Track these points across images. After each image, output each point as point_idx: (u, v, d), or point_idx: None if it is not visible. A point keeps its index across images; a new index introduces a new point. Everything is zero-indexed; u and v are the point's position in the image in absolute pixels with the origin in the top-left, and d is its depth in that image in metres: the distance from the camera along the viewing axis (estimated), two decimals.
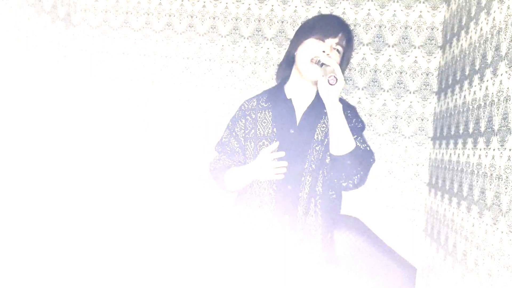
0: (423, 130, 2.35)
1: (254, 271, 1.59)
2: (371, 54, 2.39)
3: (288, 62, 1.69)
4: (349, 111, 1.63)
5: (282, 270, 1.57)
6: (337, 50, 1.58)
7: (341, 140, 1.46)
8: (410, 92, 2.36)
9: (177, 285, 2.47)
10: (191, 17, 2.61)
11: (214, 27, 2.58)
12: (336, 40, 1.56)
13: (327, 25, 1.57)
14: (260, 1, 2.52)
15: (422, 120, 2.35)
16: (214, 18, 2.58)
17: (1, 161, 2.15)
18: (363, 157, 1.52)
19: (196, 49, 2.60)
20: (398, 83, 2.37)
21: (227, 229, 1.72)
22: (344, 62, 1.66)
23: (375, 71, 2.39)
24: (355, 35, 2.40)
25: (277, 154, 1.52)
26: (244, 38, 2.54)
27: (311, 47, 1.55)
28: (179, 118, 2.61)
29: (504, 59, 1.33)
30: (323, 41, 1.55)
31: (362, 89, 2.41)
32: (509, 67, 1.28)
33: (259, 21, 2.52)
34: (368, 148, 1.57)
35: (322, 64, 1.47)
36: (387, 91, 2.38)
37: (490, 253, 1.32)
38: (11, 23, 2.16)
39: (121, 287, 2.54)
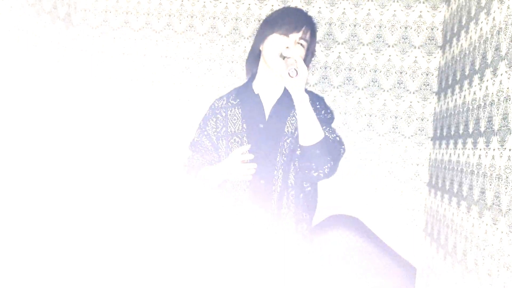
0: (423, 130, 2.35)
1: (229, 264, 1.62)
2: (371, 54, 2.39)
3: (254, 58, 1.71)
4: (318, 102, 1.66)
5: (258, 263, 1.58)
6: (301, 44, 1.60)
7: (308, 130, 1.49)
8: (410, 92, 2.36)
9: (160, 277, 2.48)
10: (191, 17, 2.61)
11: (214, 27, 2.58)
12: (300, 34, 1.59)
13: (290, 20, 1.59)
14: (260, 1, 2.52)
15: (422, 120, 2.35)
16: (214, 18, 2.58)
17: (0, 161, 2.15)
18: (332, 147, 1.54)
19: (196, 49, 2.60)
20: (398, 83, 2.37)
21: (211, 226, 1.75)
22: (309, 54, 1.68)
23: (375, 71, 2.39)
24: (355, 35, 2.40)
25: (245, 156, 1.54)
26: (244, 38, 2.54)
27: (276, 42, 1.58)
28: (179, 118, 2.61)
29: (504, 59, 1.33)
30: (287, 36, 1.58)
31: (362, 89, 2.41)
32: (509, 67, 1.28)
33: (259, 21, 2.52)
34: (338, 138, 1.59)
35: (285, 57, 1.50)
36: (387, 91, 2.38)
37: (490, 253, 1.32)
38: (11, 23, 2.16)
39: (116, 285, 2.54)
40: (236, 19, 2.55)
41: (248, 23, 2.53)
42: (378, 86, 2.39)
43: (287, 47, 1.55)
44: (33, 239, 2.38)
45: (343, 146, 1.61)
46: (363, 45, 2.40)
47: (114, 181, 2.64)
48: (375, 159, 2.38)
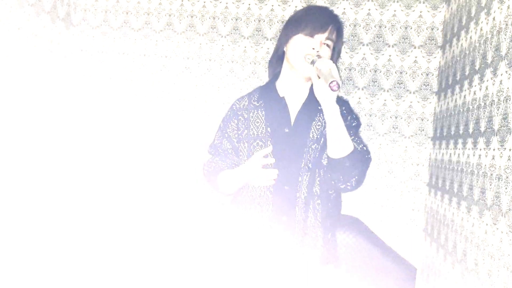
0: (423, 130, 2.35)
1: (254, 274, 1.58)
2: (371, 54, 2.39)
3: (278, 58, 1.65)
4: (344, 107, 1.57)
5: (282, 272, 1.55)
6: (327, 45, 1.54)
7: (339, 143, 1.43)
8: (410, 92, 2.36)
9: (178, 286, 2.47)
10: (191, 17, 2.61)
11: (214, 27, 2.58)
12: (326, 35, 1.51)
13: (315, 20, 1.51)
14: (260, 1, 2.52)
15: (422, 120, 2.35)
16: (214, 18, 2.58)
17: (1, 161, 2.15)
18: (360, 158, 1.49)
19: (196, 49, 2.60)
20: (398, 83, 2.37)
21: (226, 232, 1.68)
22: (335, 54, 1.61)
23: (375, 71, 2.39)
24: (355, 35, 2.40)
25: (267, 160, 1.48)
26: (244, 38, 2.54)
27: (301, 44, 1.50)
28: (179, 118, 2.61)
29: (504, 59, 1.33)
30: (312, 37, 1.50)
31: (362, 89, 2.41)
32: (509, 67, 1.28)
33: (259, 21, 2.52)
34: (365, 148, 1.54)
35: (313, 62, 1.42)
36: (387, 91, 2.38)
37: (490, 253, 1.32)
38: (11, 23, 2.16)
39: (120, 286, 2.54)
40: (236, 19, 2.55)
41: (248, 23, 2.53)
42: (378, 86, 2.39)
43: (317, 52, 1.46)
44: (36, 240, 2.38)
45: (369, 155, 1.53)
46: (363, 45, 2.40)
47: (113, 180, 2.64)
48: (375, 159, 2.38)
